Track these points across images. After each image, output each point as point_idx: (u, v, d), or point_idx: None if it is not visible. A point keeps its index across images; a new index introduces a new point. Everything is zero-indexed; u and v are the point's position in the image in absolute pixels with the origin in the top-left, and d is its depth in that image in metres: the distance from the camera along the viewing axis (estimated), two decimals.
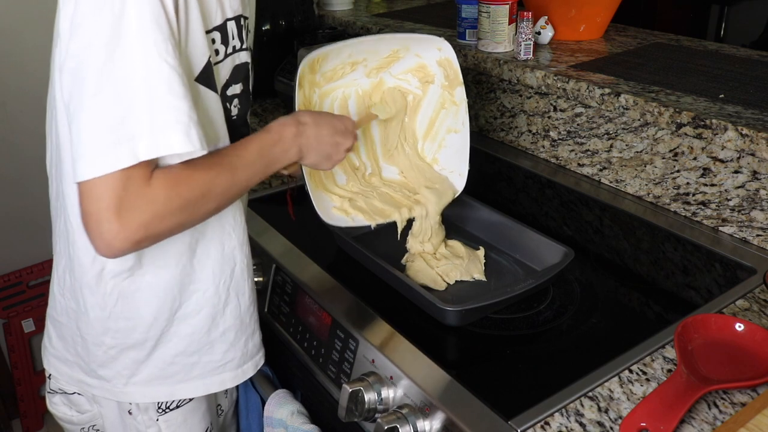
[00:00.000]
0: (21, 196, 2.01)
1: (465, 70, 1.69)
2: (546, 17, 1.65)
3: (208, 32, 0.83)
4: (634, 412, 0.81)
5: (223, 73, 0.88)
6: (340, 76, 1.16)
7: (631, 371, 0.91)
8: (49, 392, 1.05)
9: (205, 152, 0.76)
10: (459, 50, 1.66)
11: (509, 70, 1.55)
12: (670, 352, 0.94)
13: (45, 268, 2.16)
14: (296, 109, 1.06)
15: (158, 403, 0.98)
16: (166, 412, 0.99)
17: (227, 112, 0.91)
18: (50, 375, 1.04)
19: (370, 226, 1.15)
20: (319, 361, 1.06)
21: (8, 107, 2.00)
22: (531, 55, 1.56)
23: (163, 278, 0.90)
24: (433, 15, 2.07)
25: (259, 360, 1.05)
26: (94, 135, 0.70)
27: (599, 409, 0.85)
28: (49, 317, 1.01)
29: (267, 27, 1.86)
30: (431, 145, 1.25)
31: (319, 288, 1.10)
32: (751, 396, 0.86)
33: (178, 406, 1.00)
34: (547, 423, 0.83)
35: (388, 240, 1.25)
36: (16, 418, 2.22)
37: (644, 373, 0.91)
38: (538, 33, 1.65)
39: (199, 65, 0.81)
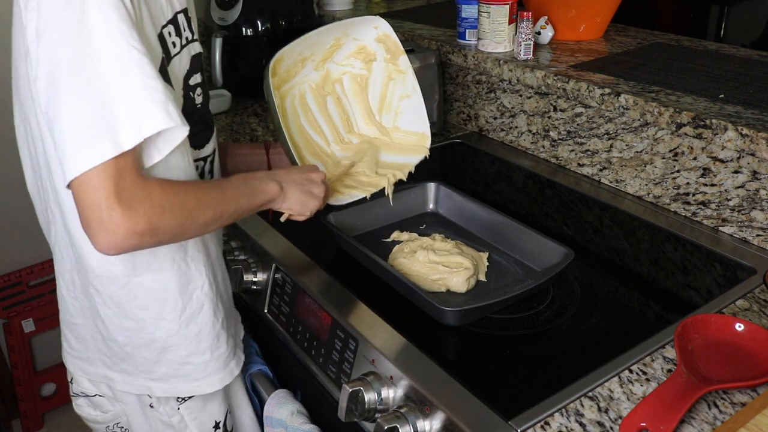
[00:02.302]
0: (21, 196, 2.00)
1: (465, 70, 1.70)
2: (546, 17, 1.65)
3: (163, 27, 0.86)
4: (634, 412, 0.81)
5: (182, 63, 0.91)
6: (294, 75, 1.21)
7: (631, 371, 0.91)
8: (73, 395, 1.08)
9: (187, 128, 0.78)
10: (459, 50, 1.66)
11: (509, 70, 1.55)
12: (670, 352, 0.94)
13: (45, 268, 2.16)
14: (277, 112, 1.11)
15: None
16: (185, 401, 1.02)
17: (192, 101, 0.94)
18: (72, 379, 1.07)
19: (366, 198, 1.20)
20: (319, 361, 1.06)
21: (9, 106, 2.00)
22: (531, 55, 1.56)
23: (161, 282, 0.91)
24: (433, 15, 2.07)
25: (239, 342, 1.10)
26: (76, 131, 0.71)
27: (599, 409, 0.85)
28: (64, 322, 1.03)
29: (267, 27, 1.86)
30: (387, 115, 1.31)
31: (319, 288, 1.10)
32: (751, 396, 0.86)
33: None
34: (547, 423, 0.83)
35: (388, 240, 1.25)
36: (16, 418, 2.22)
37: (644, 373, 0.91)
38: (538, 33, 1.65)
39: (155, 61, 0.83)
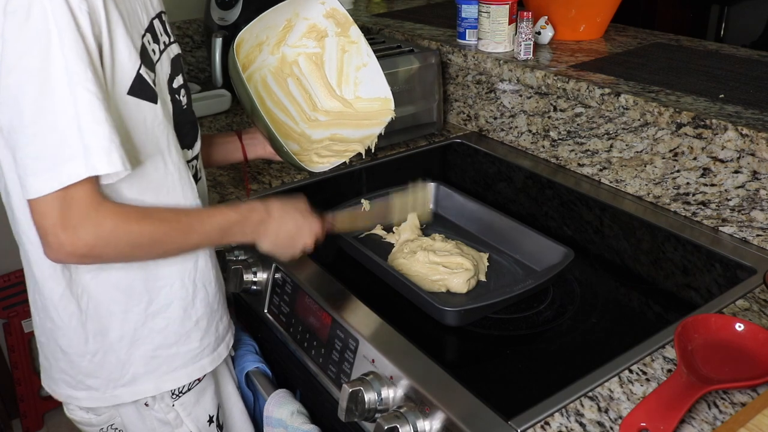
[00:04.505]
0: None
1: (465, 70, 1.69)
2: (546, 17, 1.65)
3: (143, 36, 0.88)
4: (634, 412, 0.81)
5: (164, 68, 0.94)
6: (253, 60, 1.23)
7: (631, 371, 0.91)
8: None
9: (128, 172, 0.82)
10: (459, 50, 1.66)
11: (509, 70, 1.55)
12: (670, 352, 0.94)
13: None
14: (250, 90, 1.12)
15: (171, 390, 1.02)
16: (179, 396, 1.03)
17: (179, 103, 0.97)
18: None
19: (345, 162, 1.24)
20: (319, 361, 1.06)
21: None
22: (531, 55, 1.56)
23: (127, 277, 0.94)
24: (433, 15, 2.07)
25: (229, 340, 1.10)
26: (37, 158, 0.77)
27: (599, 409, 0.85)
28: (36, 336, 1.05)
29: None
30: (347, 87, 1.33)
31: (319, 288, 1.10)
32: (751, 396, 0.86)
33: (189, 389, 1.04)
34: (547, 423, 0.83)
35: (389, 241, 1.25)
36: (16, 418, 2.22)
37: (644, 373, 0.91)
38: (538, 33, 1.65)
39: (128, 80, 0.85)
